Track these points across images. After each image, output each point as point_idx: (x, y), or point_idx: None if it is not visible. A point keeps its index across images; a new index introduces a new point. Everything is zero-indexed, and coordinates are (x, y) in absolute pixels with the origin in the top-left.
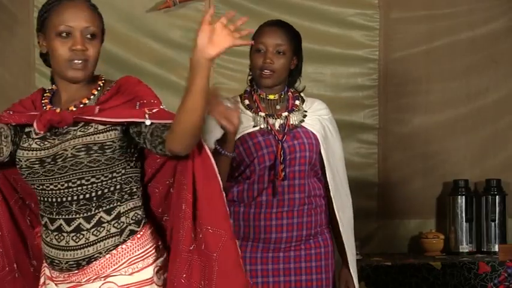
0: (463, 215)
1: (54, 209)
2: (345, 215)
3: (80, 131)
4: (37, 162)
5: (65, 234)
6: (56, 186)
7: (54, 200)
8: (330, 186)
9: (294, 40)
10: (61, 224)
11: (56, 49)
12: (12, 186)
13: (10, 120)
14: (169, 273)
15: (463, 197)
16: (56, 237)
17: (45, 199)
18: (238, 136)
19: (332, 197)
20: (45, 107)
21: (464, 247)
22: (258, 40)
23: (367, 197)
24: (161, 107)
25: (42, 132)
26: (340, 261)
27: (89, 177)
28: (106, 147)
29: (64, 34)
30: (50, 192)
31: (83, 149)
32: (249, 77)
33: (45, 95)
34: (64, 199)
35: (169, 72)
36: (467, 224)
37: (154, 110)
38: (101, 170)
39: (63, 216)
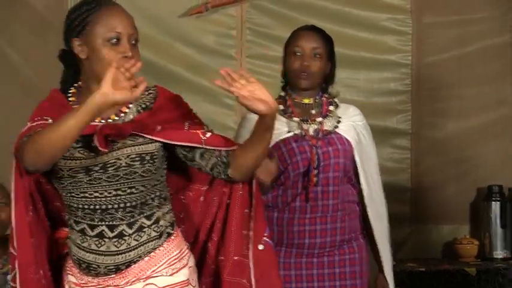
0: (498, 220)
1: (97, 216)
2: (380, 221)
3: (129, 140)
4: (82, 171)
5: (106, 240)
6: (102, 194)
7: (98, 207)
8: (363, 193)
9: (329, 45)
10: (103, 230)
11: (104, 56)
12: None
13: None
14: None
15: (497, 202)
16: (96, 242)
17: (86, 206)
18: (272, 143)
19: (366, 203)
20: None
21: (499, 253)
22: (294, 43)
23: (400, 202)
24: (206, 127)
25: (105, 150)
26: (376, 267)
27: (139, 186)
28: (155, 157)
29: (114, 40)
30: (93, 199)
31: (137, 158)
32: (282, 83)
33: (70, 99)
34: (110, 206)
35: (201, 77)
36: (501, 229)
37: (207, 135)
38: (149, 180)
39: (106, 223)
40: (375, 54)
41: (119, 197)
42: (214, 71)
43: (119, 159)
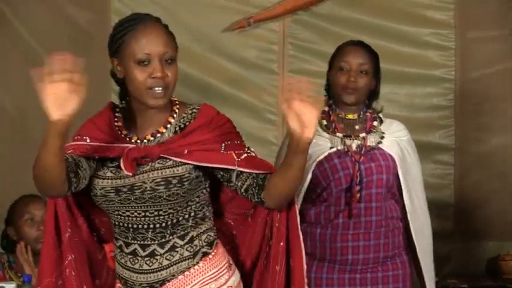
0: None
1: (130, 234)
2: (423, 237)
3: (158, 162)
4: (112, 191)
5: (139, 258)
6: (132, 213)
7: (130, 225)
8: (407, 209)
9: (375, 60)
10: (136, 249)
11: (135, 77)
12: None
13: (95, 154)
14: None
15: None
16: (131, 260)
17: (121, 224)
18: (314, 160)
19: (409, 219)
20: (120, 132)
21: None
22: (341, 58)
23: (443, 218)
24: (246, 149)
25: (131, 173)
26: (419, 284)
27: (166, 209)
28: (184, 179)
29: (144, 62)
30: (126, 218)
31: (162, 182)
32: (325, 97)
33: (117, 115)
34: (140, 226)
35: (242, 91)
36: None
37: (242, 157)
38: (178, 202)
39: (139, 242)
40: (418, 69)
41: (147, 218)
42: (256, 86)
43: (144, 182)
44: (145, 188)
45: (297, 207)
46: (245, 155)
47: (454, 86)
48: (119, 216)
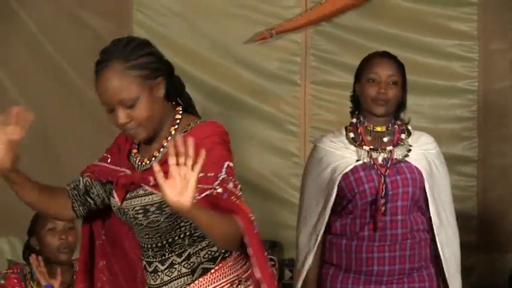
0: None
1: (140, 250)
2: (450, 251)
3: (142, 189)
4: (117, 212)
5: (147, 273)
6: (136, 233)
7: (139, 243)
8: (433, 222)
9: (403, 71)
10: (145, 264)
11: (114, 123)
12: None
13: (101, 178)
14: None
15: None
16: (145, 275)
17: (137, 240)
18: (340, 173)
19: (435, 232)
20: (129, 151)
21: None
22: (370, 70)
23: (466, 230)
24: (216, 183)
25: (120, 200)
26: None
27: (154, 233)
28: (164, 206)
29: (111, 111)
30: (137, 236)
31: (140, 211)
32: (351, 108)
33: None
34: (142, 244)
35: (265, 103)
36: None
37: (202, 195)
38: (163, 227)
39: (145, 259)
40: (441, 81)
41: (147, 238)
42: (279, 97)
43: (128, 209)
44: (129, 215)
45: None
46: (207, 192)
47: (477, 97)
48: (131, 233)
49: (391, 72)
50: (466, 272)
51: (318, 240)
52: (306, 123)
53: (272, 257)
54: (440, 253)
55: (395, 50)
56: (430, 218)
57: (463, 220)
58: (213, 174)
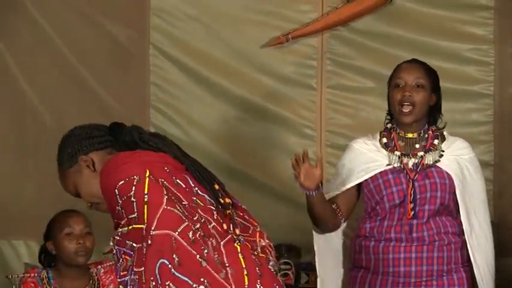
0: None
1: None
2: (481, 257)
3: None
4: None
5: None
6: None
7: None
8: (464, 227)
9: (432, 76)
10: None
11: None
12: None
13: None
14: None
15: None
16: None
17: None
18: (370, 174)
19: (466, 237)
20: None
21: None
22: (396, 76)
23: None
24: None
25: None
26: None
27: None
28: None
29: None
30: None
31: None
32: (386, 120)
33: None
34: None
35: (281, 107)
36: None
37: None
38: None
39: None
40: (457, 85)
41: None
42: (295, 101)
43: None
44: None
45: None
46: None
47: (493, 101)
48: None
49: (417, 76)
50: None
51: (339, 191)
52: (322, 127)
53: (288, 261)
54: (472, 258)
55: (411, 55)
56: (461, 222)
57: None
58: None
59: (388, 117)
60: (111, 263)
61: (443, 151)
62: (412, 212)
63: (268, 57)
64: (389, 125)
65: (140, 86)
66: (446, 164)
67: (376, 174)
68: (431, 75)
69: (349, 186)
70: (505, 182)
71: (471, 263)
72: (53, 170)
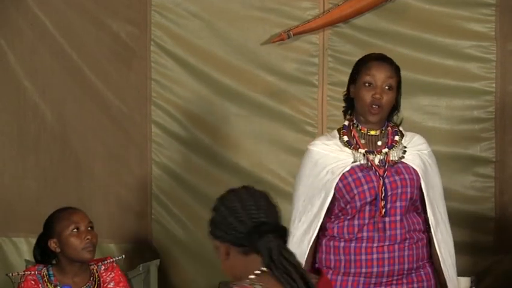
0: None
1: None
2: (446, 250)
3: None
4: None
5: None
6: None
7: None
8: (430, 222)
9: (399, 74)
10: None
11: None
12: None
13: None
14: None
15: None
16: None
17: None
18: (339, 174)
19: (432, 232)
20: None
21: None
22: (367, 73)
23: (483, 232)
24: None
25: None
26: None
27: None
28: None
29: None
30: None
31: None
32: (344, 108)
33: None
34: None
35: (282, 104)
36: None
37: None
38: None
39: None
40: (458, 82)
41: None
42: (296, 98)
43: None
44: None
45: None
46: None
47: (495, 98)
48: None
49: (387, 76)
50: (483, 273)
51: (311, 243)
52: (324, 124)
53: None
54: (438, 252)
55: (412, 51)
56: (426, 217)
57: (480, 221)
58: None
59: (345, 106)
60: (111, 260)
61: (405, 147)
62: (384, 210)
63: (270, 54)
64: (346, 122)
65: (141, 83)
66: (410, 159)
67: (344, 173)
68: (398, 73)
69: (326, 206)
70: (507, 179)
71: (433, 258)
72: (53, 166)
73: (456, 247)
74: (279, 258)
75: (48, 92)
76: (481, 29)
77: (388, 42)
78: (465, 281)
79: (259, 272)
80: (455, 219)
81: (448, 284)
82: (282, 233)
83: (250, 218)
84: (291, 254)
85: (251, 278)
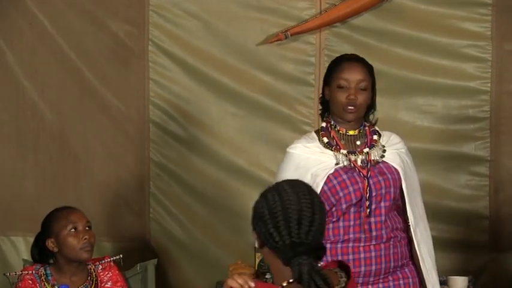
0: None
1: None
2: (425, 248)
3: None
4: None
5: None
6: None
7: None
8: (410, 220)
9: (372, 74)
10: None
11: None
12: None
13: None
14: None
15: None
16: None
17: None
18: (323, 177)
19: (413, 231)
20: None
21: None
22: (339, 75)
23: (478, 230)
24: None
25: None
26: None
27: None
28: None
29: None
30: None
31: None
32: (320, 111)
33: None
34: None
35: (279, 104)
36: None
37: None
38: None
39: None
40: (454, 81)
41: None
42: (293, 98)
43: None
44: None
45: None
46: None
47: (490, 98)
48: None
49: (360, 78)
50: (478, 271)
51: None
52: (320, 124)
53: None
54: (418, 251)
55: (409, 51)
56: (406, 217)
57: (475, 220)
58: None
59: (321, 108)
60: (109, 259)
61: (384, 146)
62: (368, 210)
63: (267, 54)
64: (324, 124)
65: (139, 82)
66: (391, 158)
67: (329, 176)
68: (371, 73)
69: None
70: (501, 178)
71: (414, 257)
72: (52, 166)
73: (451, 245)
74: (308, 281)
75: (47, 91)
76: (477, 29)
77: (384, 42)
78: (462, 281)
79: (292, 280)
80: (450, 217)
81: (427, 284)
82: (319, 254)
83: (289, 234)
84: (322, 275)
85: (284, 286)
